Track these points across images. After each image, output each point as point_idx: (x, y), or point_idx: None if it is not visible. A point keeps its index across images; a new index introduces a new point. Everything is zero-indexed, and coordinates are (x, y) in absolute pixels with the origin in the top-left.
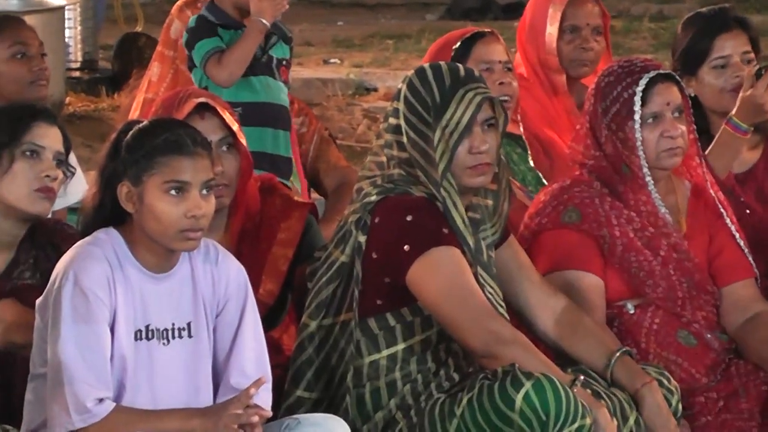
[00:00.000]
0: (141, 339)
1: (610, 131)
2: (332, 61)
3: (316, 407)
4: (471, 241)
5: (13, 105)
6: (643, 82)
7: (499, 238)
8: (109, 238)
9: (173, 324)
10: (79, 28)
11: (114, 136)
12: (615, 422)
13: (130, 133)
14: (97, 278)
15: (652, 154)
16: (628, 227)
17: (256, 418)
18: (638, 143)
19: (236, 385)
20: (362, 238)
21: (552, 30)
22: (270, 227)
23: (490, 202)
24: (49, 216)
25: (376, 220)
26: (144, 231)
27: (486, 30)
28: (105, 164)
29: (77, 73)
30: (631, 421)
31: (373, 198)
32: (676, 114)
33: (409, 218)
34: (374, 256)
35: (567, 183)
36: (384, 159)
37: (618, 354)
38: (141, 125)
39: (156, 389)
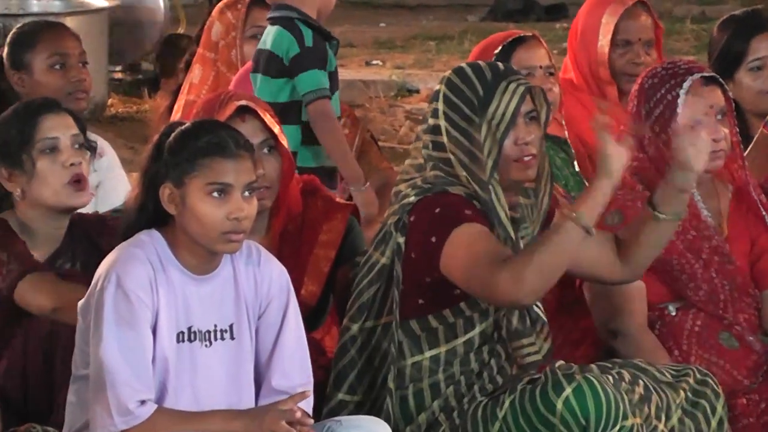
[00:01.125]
0: (183, 341)
1: (654, 133)
2: (374, 62)
3: (358, 410)
4: (513, 237)
5: (15, 108)
6: (686, 85)
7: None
8: (151, 240)
9: (215, 326)
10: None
11: (156, 138)
12: (661, 421)
13: (173, 135)
14: (140, 280)
15: None
16: None
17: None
18: None
19: (278, 387)
20: (401, 239)
21: (604, 42)
22: (312, 229)
23: (529, 200)
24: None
25: (412, 219)
26: (186, 233)
27: (528, 34)
28: (147, 166)
29: (119, 75)
30: (674, 419)
31: (412, 199)
32: (719, 117)
33: (437, 211)
34: (413, 255)
35: None
36: (422, 161)
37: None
38: (183, 127)
39: (198, 391)
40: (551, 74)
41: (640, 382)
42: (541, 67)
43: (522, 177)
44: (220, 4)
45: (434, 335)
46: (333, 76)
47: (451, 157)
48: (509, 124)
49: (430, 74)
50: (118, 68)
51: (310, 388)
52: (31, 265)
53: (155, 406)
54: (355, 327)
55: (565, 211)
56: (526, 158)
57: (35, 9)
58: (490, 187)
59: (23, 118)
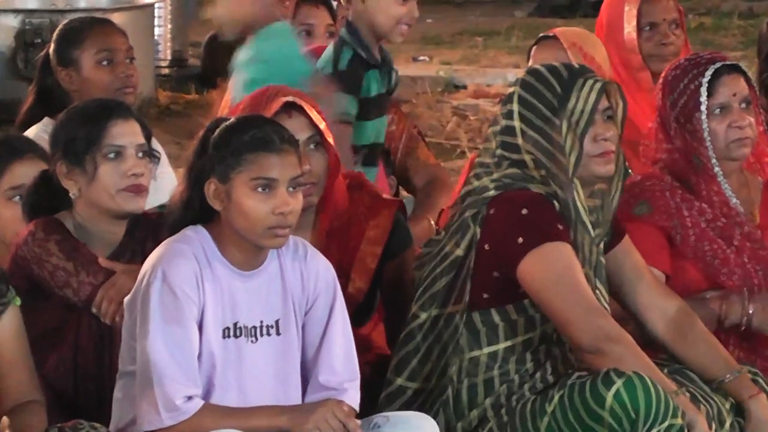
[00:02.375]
0: (229, 337)
1: (679, 124)
2: (421, 58)
3: (415, 397)
4: (592, 234)
5: (86, 107)
6: (708, 73)
7: (612, 238)
8: (197, 236)
9: (261, 322)
10: (168, 25)
11: (201, 133)
12: (713, 429)
13: (218, 130)
14: (186, 276)
15: (722, 145)
16: (700, 218)
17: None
18: (705, 134)
19: (325, 383)
20: (478, 231)
21: (630, 28)
22: (359, 225)
23: (598, 202)
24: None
25: (491, 212)
26: (232, 228)
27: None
28: (193, 162)
29: (166, 71)
30: (727, 425)
31: (491, 192)
32: (743, 105)
33: (524, 212)
34: (486, 247)
35: (638, 178)
36: (491, 161)
37: (739, 373)
38: (228, 122)
39: (245, 387)
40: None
41: (686, 393)
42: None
43: (603, 172)
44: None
45: (494, 332)
46: (371, 102)
47: (526, 157)
48: (588, 121)
49: (477, 70)
50: (165, 63)
51: (357, 384)
52: (103, 276)
53: (202, 402)
54: (423, 315)
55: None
56: (606, 153)
57: (82, 5)
58: (572, 186)
59: (93, 119)
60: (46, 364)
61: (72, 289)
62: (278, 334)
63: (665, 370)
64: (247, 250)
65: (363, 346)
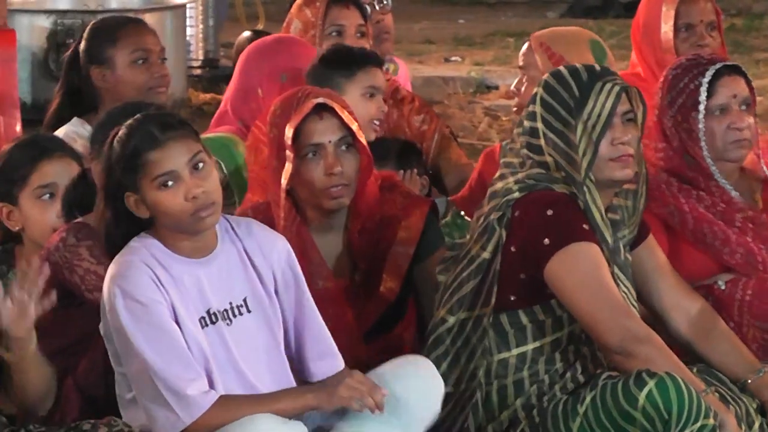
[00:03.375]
0: (207, 325)
1: (675, 122)
2: (453, 59)
3: (446, 401)
4: (610, 239)
5: (125, 108)
6: (709, 74)
7: (636, 238)
8: (142, 243)
9: (230, 303)
10: (200, 26)
11: (105, 150)
12: (742, 430)
13: (111, 145)
14: (143, 282)
15: (719, 146)
16: (698, 204)
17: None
18: (701, 134)
19: (323, 351)
20: (504, 233)
21: (667, 29)
22: (390, 225)
23: (629, 202)
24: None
25: (516, 214)
26: (165, 227)
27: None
28: (104, 180)
29: (198, 71)
30: (756, 426)
31: (516, 194)
32: (743, 107)
33: (549, 213)
34: (512, 249)
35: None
36: (516, 161)
37: (762, 373)
38: (115, 134)
39: (240, 369)
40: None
41: (716, 393)
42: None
43: (619, 176)
44: (298, 1)
45: (522, 333)
46: None
47: (548, 159)
48: (605, 125)
49: (509, 71)
50: (197, 64)
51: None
52: None
53: (217, 395)
54: (451, 319)
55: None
56: (623, 158)
57: (114, 5)
58: (585, 188)
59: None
60: (78, 368)
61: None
62: (249, 311)
63: (694, 370)
64: (191, 240)
65: (395, 346)
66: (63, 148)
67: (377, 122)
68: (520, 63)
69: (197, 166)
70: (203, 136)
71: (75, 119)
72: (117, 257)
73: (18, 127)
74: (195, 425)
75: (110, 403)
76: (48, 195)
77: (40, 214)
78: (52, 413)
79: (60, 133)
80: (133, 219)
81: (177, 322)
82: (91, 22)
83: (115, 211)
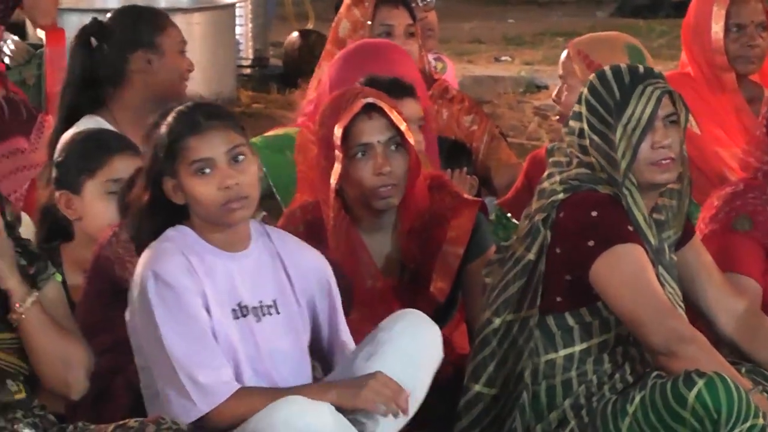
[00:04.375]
0: (239, 317)
1: None
2: (503, 58)
3: (493, 403)
4: (653, 241)
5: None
6: None
7: (681, 238)
8: (178, 233)
9: (261, 302)
10: (249, 25)
11: (151, 133)
12: None
13: (156, 131)
14: (177, 268)
15: None
16: None
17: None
18: None
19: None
20: (549, 235)
21: (717, 28)
22: (440, 226)
23: (674, 202)
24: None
25: (561, 215)
26: (199, 217)
27: None
28: (147, 166)
29: (248, 70)
30: None
31: (560, 196)
32: None
33: (594, 214)
34: (557, 251)
35: (740, 188)
36: (563, 160)
37: None
38: (162, 121)
39: (265, 366)
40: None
41: (764, 393)
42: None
43: (659, 180)
44: (347, 1)
45: (569, 334)
46: None
47: (593, 160)
48: (645, 128)
49: (558, 70)
50: (247, 63)
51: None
52: None
53: (237, 385)
54: (498, 321)
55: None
56: (664, 161)
57: (163, 4)
58: (625, 190)
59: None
60: (129, 368)
61: None
62: (278, 313)
63: (743, 370)
64: (224, 232)
65: (445, 346)
66: (132, 147)
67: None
68: (560, 72)
69: (236, 158)
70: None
71: (86, 117)
72: (153, 243)
73: None
74: (213, 414)
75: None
76: (115, 190)
77: (104, 207)
78: (101, 411)
79: (74, 131)
80: (168, 208)
81: (207, 312)
82: (117, 10)
83: (153, 197)
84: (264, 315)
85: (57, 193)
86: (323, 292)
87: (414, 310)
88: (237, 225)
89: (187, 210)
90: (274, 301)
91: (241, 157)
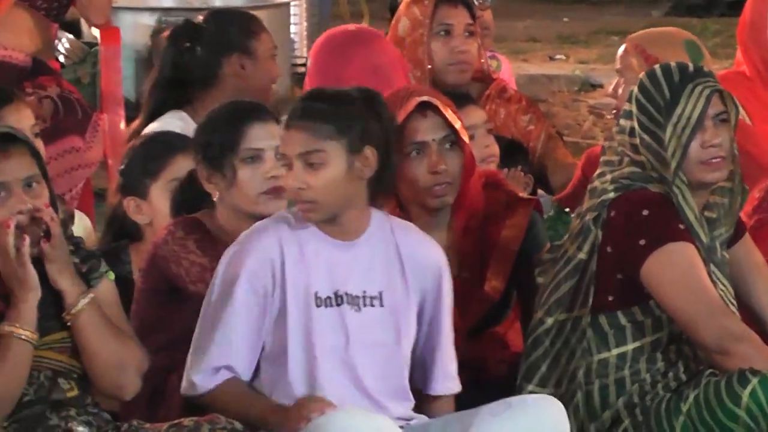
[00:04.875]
0: (331, 305)
1: None
2: (558, 57)
3: None
4: (705, 239)
5: (222, 110)
6: None
7: (733, 236)
8: (291, 215)
9: (365, 292)
10: (304, 24)
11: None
12: None
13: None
14: (258, 250)
15: None
16: None
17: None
18: None
19: (449, 374)
20: (600, 234)
21: None
22: (494, 224)
23: (726, 200)
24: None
25: (612, 214)
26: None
27: None
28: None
29: (302, 69)
30: None
31: (611, 195)
32: None
33: (645, 213)
34: (609, 250)
35: None
36: (615, 159)
37: None
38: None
39: (351, 356)
40: None
41: None
42: None
43: (709, 179)
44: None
45: (622, 333)
46: None
47: (643, 158)
48: (695, 127)
49: (613, 69)
50: (302, 62)
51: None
52: None
53: (229, 375)
54: (550, 320)
55: None
56: (714, 160)
57: (218, 3)
58: (675, 188)
59: (231, 122)
60: (181, 366)
61: (205, 284)
62: (381, 305)
63: None
64: (332, 219)
65: (499, 344)
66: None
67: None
68: (617, 66)
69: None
70: None
71: (171, 112)
72: (264, 219)
73: (122, 125)
74: (206, 398)
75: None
76: None
77: (168, 209)
78: (155, 410)
79: (156, 125)
80: None
81: (285, 299)
82: (211, 12)
83: None
84: (365, 305)
85: (125, 201)
86: (434, 293)
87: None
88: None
89: None
90: (380, 293)
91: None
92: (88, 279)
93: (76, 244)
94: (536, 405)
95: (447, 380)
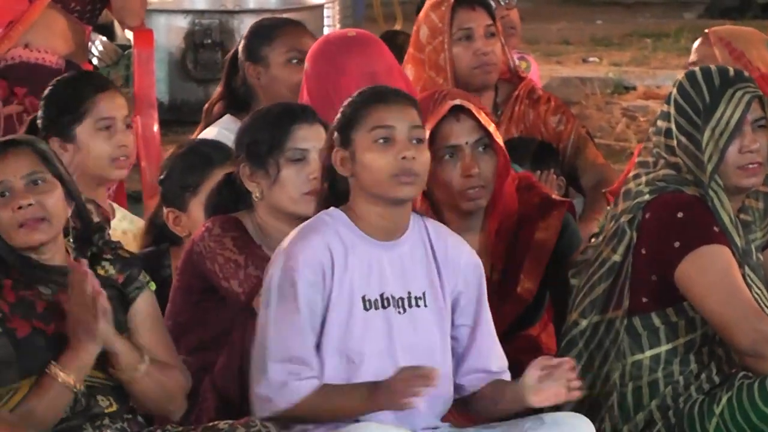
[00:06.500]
0: (378, 308)
1: None
2: (591, 59)
3: (580, 405)
4: (740, 242)
5: (271, 110)
6: None
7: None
8: (331, 218)
9: (409, 293)
10: (338, 26)
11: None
12: None
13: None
14: (309, 255)
15: None
16: None
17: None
18: None
19: (479, 367)
20: (635, 235)
21: None
22: (528, 226)
23: (761, 204)
24: None
25: (647, 216)
26: (363, 195)
27: None
28: (324, 154)
29: None
30: None
31: (646, 197)
32: None
33: (680, 215)
34: (643, 252)
35: None
36: (650, 160)
37: None
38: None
39: (396, 358)
40: None
41: None
42: None
43: (745, 184)
44: (426, 5)
45: (656, 335)
46: None
47: (679, 160)
48: (733, 132)
49: (646, 71)
50: None
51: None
52: None
53: (316, 382)
54: (584, 322)
55: None
56: (751, 166)
57: (251, 5)
58: (711, 191)
59: (278, 122)
60: (215, 367)
61: (238, 281)
62: (426, 305)
63: None
64: (382, 216)
65: (532, 346)
66: (230, 156)
67: None
68: (693, 58)
69: (418, 140)
70: None
71: (227, 117)
72: (304, 224)
73: (155, 127)
74: (291, 411)
75: (246, 403)
76: None
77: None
78: (188, 412)
79: (212, 131)
80: (334, 194)
81: (330, 303)
82: (254, 22)
83: (327, 176)
84: (410, 306)
85: (165, 210)
86: (469, 296)
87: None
88: (402, 204)
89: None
90: (424, 294)
91: (419, 141)
92: (126, 292)
93: (114, 249)
94: (568, 423)
95: (484, 375)
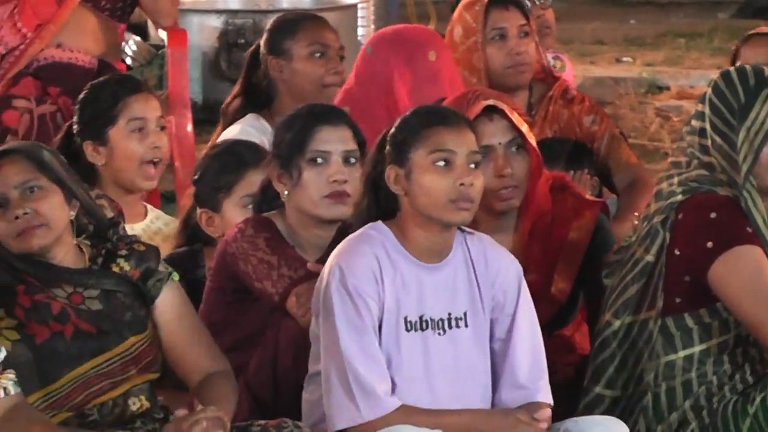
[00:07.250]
0: (417, 330)
1: None
2: (624, 59)
3: (613, 406)
4: None
5: (300, 110)
6: None
7: None
8: (377, 233)
9: (450, 314)
10: (371, 26)
11: (378, 139)
12: None
13: (394, 126)
14: (363, 273)
15: None
16: None
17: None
18: None
19: (518, 382)
20: (668, 236)
21: None
22: (561, 227)
23: None
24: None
25: (680, 217)
26: (413, 216)
27: None
28: (371, 160)
29: None
30: None
31: (679, 197)
32: None
33: (713, 216)
34: (676, 252)
35: None
36: (683, 160)
37: None
38: (405, 114)
39: (433, 381)
40: None
41: None
42: None
43: None
44: (460, 4)
45: (689, 335)
46: None
47: (713, 160)
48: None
49: (680, 71)
50: None
51: (547, 379)
52: (304, 271)
53: (400, 403)
54: (617, 322)
55: None
56: None
57: (285, 5)
58: (745, 192)
59: (302, 123)
60: (248, 368)
61: (271, 281)
62: (467, 326)
63: None
64: (430, 238)
65: (566, 347)
66: (264, 157)
67: None
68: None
69: (476, 164)
70: None
71: (250, 115)
72: (352, 237)
73: (189, 127)
74: (370, 423)
75: (279, 404)
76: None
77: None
78: None
79: (234, 129)
80: (383, 207)
81: (381, 320)
82: (270, 20)
83: (369, 194)
84: (450, 328)
85: (198, 211)
86: (506, 305)
87: (617, 421)
88: (450, 228)
89: (392, 212)
90: (465, 314)
91: (476, 165)
92: (147, 287)
93: (129, 244)
94: (603, 426)
95: (515, 389)
